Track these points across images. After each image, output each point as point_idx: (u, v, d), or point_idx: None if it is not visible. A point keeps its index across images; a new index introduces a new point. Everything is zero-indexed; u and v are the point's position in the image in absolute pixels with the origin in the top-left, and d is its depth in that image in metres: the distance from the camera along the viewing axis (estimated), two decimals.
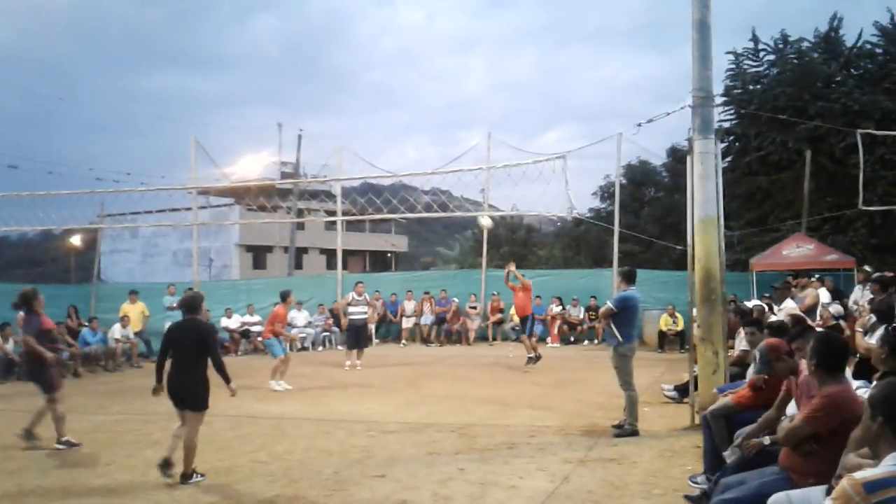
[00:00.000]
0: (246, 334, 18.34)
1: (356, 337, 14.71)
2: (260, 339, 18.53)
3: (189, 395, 6.11)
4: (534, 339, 14.64)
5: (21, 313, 13.80)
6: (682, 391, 9.52)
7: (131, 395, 11.67)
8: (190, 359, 6.11)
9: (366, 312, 14.97)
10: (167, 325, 17.21)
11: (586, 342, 18.85)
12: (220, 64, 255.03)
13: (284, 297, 12.85)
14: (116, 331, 15.93)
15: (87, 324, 15.89)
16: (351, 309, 14.82)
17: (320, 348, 18.98)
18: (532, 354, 14.00)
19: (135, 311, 16.79)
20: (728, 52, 23.75)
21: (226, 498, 5.79)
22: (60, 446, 7.63)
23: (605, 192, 29.76)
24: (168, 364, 6.31)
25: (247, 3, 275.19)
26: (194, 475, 6.14)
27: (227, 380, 6.32)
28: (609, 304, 8.21)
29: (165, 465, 6.09)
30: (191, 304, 6.45)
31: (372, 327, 18.33)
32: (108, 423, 9.22)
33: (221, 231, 43.43)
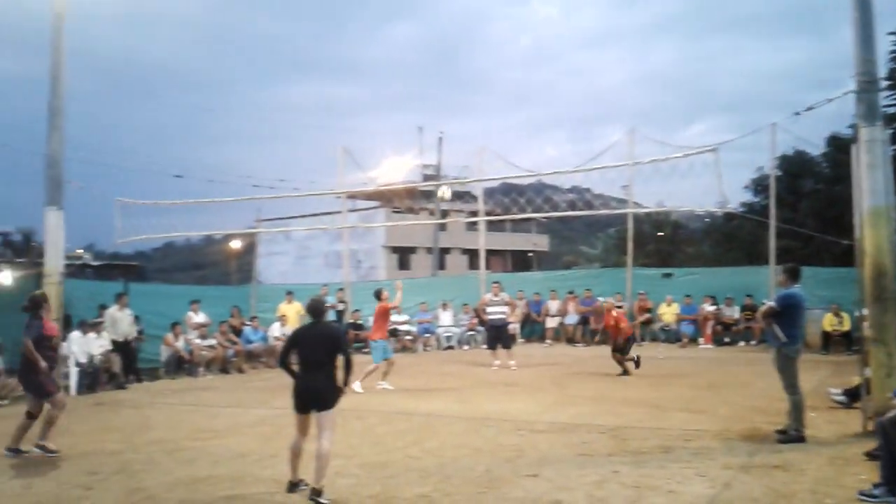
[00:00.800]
0: (393, 333, 18.82)
1: (496, 336, 14.81)
2: (409, 337, 19.14)
3: (327, 396, 6.03)
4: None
5: (190, 312, 14.84)
6: (852, 395, 8.90)
7: (290, 391, 12.25)
8: (323, 361, 6.07)
9: (504, 312, 14.97)
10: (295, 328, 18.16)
11: (742, 343, 17.99)
12: (361, 71, 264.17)
13: (378, 295, 12.85)
14: (276, 329, 16.81)
15: (248, 323, 16.84)
16: (489, 309, 14.97)
17: (465, 347, 19.21)
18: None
19: (291, 310, 17.63)
20: (890, 34, 21.99)
21: (384, 491, 5.96)
22: (36, 450, 7.63)
23: (759, 186, 28.35)
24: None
25: (384, 12, 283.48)
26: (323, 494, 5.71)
27: (347, 382, 6.23)
28: (771, 303, 7.80)
29: (294, 486, 5.99)
30: (318, 308, 6.44)
31: (516, 327, 18.36)
32: (270, 417, 9.72)
33: (368, 233, 44.84)
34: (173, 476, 6.58)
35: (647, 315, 19.28)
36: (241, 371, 15.34)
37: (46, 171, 12.95)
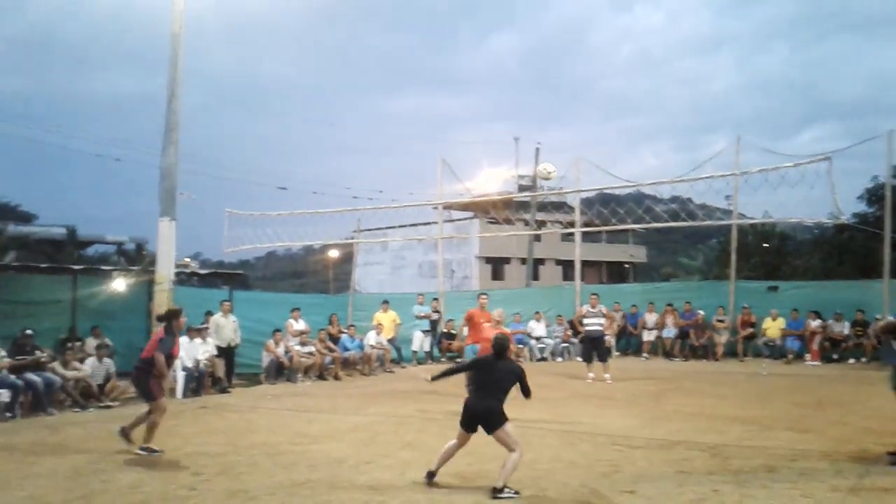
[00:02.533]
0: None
1: (592, 349, 14.68)
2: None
3: (492, 421, 6.44)
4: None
5: (290, 320, 15.19)
6: None
7: (385, 399, 12.46)
8: (499, 393, 6.54)
9: (601, 324, 14.81)
10: (415, 333, 18.34)
11: (852, 360, 17.11)
12: (462, 83, 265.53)
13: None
14: (371, 337, 17.11)
15: (346, 331, 17.20)
16: (586, 321, 14.85)
17: (559, 359, 19.03)
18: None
19: (387, 319, 17.92)
20: None
21: (478, 502, 5.98)
22: (142, 452, 7.94)
23: (873, 196, 26.97)
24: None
25: (486, 23, 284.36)
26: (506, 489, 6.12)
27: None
28: (891, 318, 7.42)
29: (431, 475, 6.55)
30: (503, 345, 6.81)
31: (612, 339, 18.06)
32: (365, 424, 9.90)
33: (463, 244, 45.09)
34: (274, 479, 6.79)
35: (751, 329, 18.59)
36: (337, 378, 15.67)
37: (161, 183, 13.62)
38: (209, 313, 15.06)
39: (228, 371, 14.57)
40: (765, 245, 34.74)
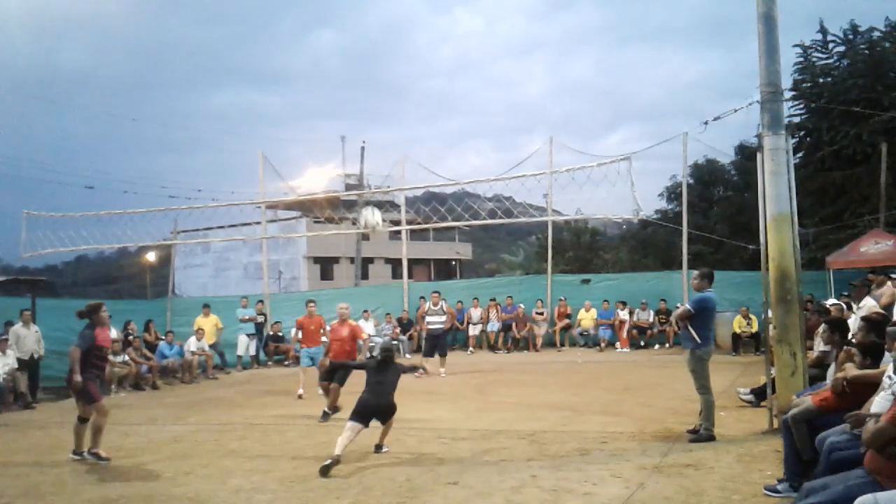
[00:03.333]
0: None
1: (433, 345, 14.98)
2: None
3: (391, 413, 7.66)
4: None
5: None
6: (759, 394, 9.28)
7: (207, 406, 11.97)
8: (392, 390, 7.69)
9: (443, 322, 15.20)
10: (239, 336, 17.76)
11: (657, 346, 18.52)
12: (283, 79, 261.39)
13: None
14: (192, 343, 16.37)
15: (163, 337, 16.36)
16: (429, 318, 15.22)
17: None
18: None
19: (208, 324, 17.23)
20: (795, 45, 23.14)
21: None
22: (89, 457, 7.80)
23: (672, 193, 29.22)
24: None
25: (307, 19, 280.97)
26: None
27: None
28: (686, 306, 8.05)
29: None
30: (391, 353, 8.00)
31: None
32: (185, 434, 9.46)
33: (289, 244, 44.28)
34: (83, 497, 6.33)
35: (567, 321, 19.63)
36: (155, 387, 14.88)
37: None
38: (9, 323, 13.81)
39: (32, 385, 13.45)
40: (578, 240, 36.69)
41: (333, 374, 9.88)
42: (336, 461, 6.82)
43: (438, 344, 15.02)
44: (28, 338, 13.58)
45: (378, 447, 7.65)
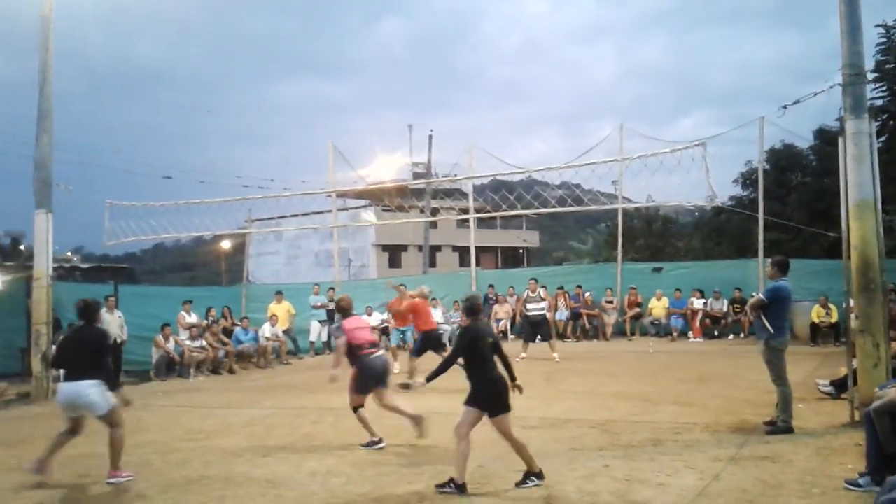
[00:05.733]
0: (386, 331, 18.84)
1: (534, 332, 15.27)
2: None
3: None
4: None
5: (182, 313, 14.82)
6: (839, 386, 8.99)
7: (282, 391, 12.28)
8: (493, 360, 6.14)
9: (543, 308, 15.44)
10: (312, 323, 18.14)
11: (731, 336, 18.10)
12: (351, 69, 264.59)
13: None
14: (266, 329, 16.81)
15: (239, 323, 16.82)
16: (529, 306, 15.49)
17: None
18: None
19: (281, 310, 17.64)
20: (878, 25, 22.13)
21: (377, 488, 6.00)
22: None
23: (748, 179, 28.42)
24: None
25: (374, 8, 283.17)
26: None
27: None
28: (760, 296, 7.87)
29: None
30: (476, 303, 6.43)
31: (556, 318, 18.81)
32: (261, 417, 9.74)
33: (359, 232, 44.85)
34: (166, 477, 6.60)
35: (637, 309, 19.37)
36: (231, 372, 15.34)
37: (35, 173, 12.93)
38: None
39: (116, 369, 13.98)
40: (649, 228, 36.09)
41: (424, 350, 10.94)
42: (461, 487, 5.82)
43: (541, 330, 15.25)
44: (112, 323, 14.12)
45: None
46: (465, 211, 21.98)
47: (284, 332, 17.36)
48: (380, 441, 7.64)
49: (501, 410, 5.94)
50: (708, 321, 18.50)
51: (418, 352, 12.17)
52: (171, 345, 15.00)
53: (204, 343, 15.34)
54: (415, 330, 13.15)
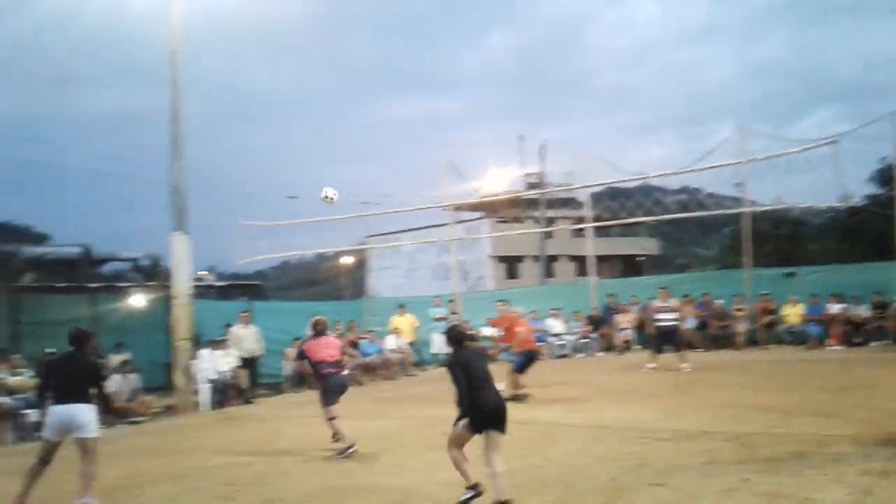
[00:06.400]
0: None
1: (664, 342, 14.85)
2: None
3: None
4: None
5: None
6: None
7: (409, 402, 12.52)
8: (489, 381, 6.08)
9: (675, 317, 14.91)
10: (433, 335, 18.39)
11: (873, 343, 17.03)
12: (460, 83, 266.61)
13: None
14: (390, 341, 17.18)
15: (365, 336, 17.28)
16: (658, 315, 14.99)
17: (579, 355, 19.02)
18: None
19: (405, 322, 17.99)
20: None
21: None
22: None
23: (883, 176, 26.79)
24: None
25: (481, 22, 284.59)
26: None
27: None
28: None
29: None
30: (461, 333, 6.39)
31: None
32: (392, 428, 9.95)
33: (474, 244, 45.08)
34: (306, 487, 6.85)
35: (770, 317, 18.52)
36: (359, 383, 15.74)
37: (171, 198, 13.76)
38: (228, 325, 15.17)
39: (252, 381, 14.66)
40: (777, 231, 34.58)
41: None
42: (474, 489, 5.92)
43: (672, 340, 14.83)
44: (247, 338, 14.83)
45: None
46: (581, 220, 21.74)
47: (409, 344, 17.69)
48: (352, 446, 8.34)
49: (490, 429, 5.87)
50: (847, 327, 17.47)
51: (520, 368, 11.94)
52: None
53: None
54: (513, 347, 12.82)
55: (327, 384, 8.81)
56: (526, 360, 11.99)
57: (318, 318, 9.39)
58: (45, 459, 6.65)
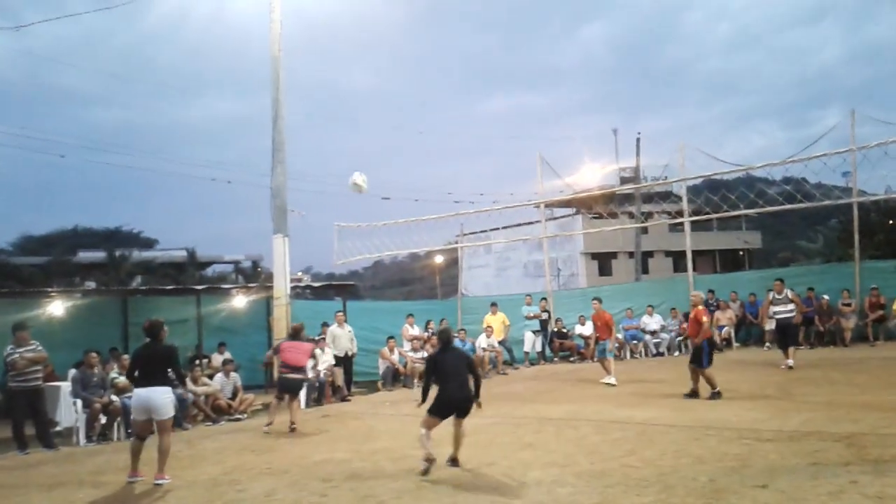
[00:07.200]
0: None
1: (784, 335, 14.31)
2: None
3: (469, 407, 7.57)
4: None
5: (406, 325, 15.61)
6: None
7: (501, 400, 12.47)
8: (465, 379, 7.59)
9: (792, 310, 14.16)
10: (525, 334, 18.34)
11: None
12: (554, 77, 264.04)
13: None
14: (482, 340, 17.21)
15: (457, 334, 17.34)
16: (775, 308, 14.40)
17: (676, 353, 18.56)
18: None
19: (496, 321, 17.98)
20: None
21: (603, 500, 5.91)
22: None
23: None
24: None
25: (576, 13, 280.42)
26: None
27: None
28: None
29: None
30: (448, 337, 8.04)
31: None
32: (484, 426, 9.92)
33: (567, 241, 44.62)
34: (399, 483, 6.94)
35: (881, 312, 17.58)
36: None
37: (272, 201, 14.18)
38: (325, 324, 15.54)
39: (347, 380, 14.97)
40: (890, 222, 32.75)
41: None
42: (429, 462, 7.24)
43: (790, 334, 14.23)
44: (342, 337, 15.14)
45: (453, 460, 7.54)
46: (679, 214, 21.14)
47: (500, 342, 17.67)
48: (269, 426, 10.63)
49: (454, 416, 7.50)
50: None
51: (709, 361, 11.47)
52: (395, 356, 15.79)
53: (426, 354, 15.98)
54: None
55: (280, 382, 11.08)
56: (710, 351, 11.49)
57: (296, 324, 11.81)
58: (140, 436, 7.82)
